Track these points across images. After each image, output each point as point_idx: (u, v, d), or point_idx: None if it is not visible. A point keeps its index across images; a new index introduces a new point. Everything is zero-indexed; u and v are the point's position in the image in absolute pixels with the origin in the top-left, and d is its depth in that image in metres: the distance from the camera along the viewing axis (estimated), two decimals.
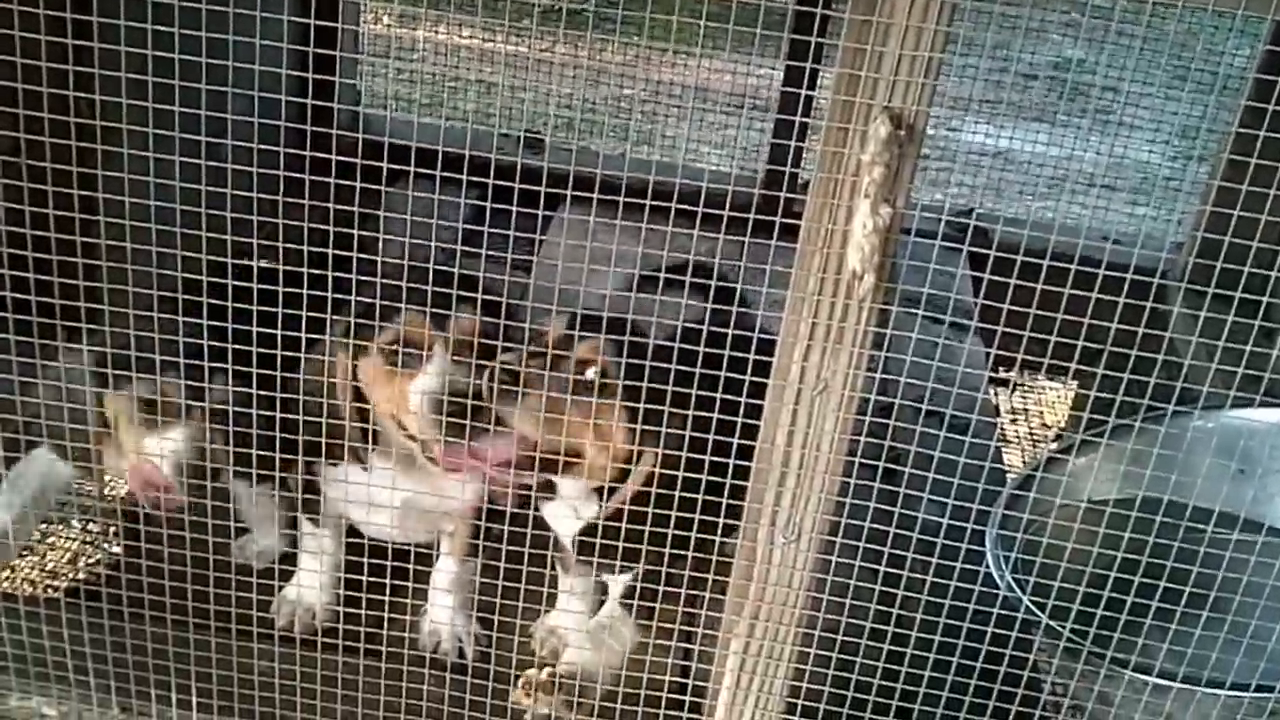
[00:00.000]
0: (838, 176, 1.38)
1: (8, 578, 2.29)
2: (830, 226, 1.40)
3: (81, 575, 2.38)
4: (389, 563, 1.79)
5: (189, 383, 1.80)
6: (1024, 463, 3.07)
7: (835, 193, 1.38)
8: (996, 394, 3.44)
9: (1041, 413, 3.50)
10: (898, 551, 1.69)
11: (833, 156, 1.38)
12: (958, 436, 1.73)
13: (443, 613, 2.11)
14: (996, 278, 1.54)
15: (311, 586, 2.09)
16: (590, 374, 1.76)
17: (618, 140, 4.46)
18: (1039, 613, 1.89)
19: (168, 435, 1.86)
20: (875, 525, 1.65)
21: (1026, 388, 3.58)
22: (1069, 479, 2.13)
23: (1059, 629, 1.84)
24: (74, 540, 2.45)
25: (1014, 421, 3.42)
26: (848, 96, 1.35)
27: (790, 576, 1.53)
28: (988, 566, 1.97)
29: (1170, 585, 1.60)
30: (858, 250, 1.37)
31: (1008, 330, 1.64)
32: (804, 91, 3.07)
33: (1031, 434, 3.40)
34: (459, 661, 2.08)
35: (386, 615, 1.83)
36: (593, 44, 3.95)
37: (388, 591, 1.80)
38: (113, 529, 2.41)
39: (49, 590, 2.32)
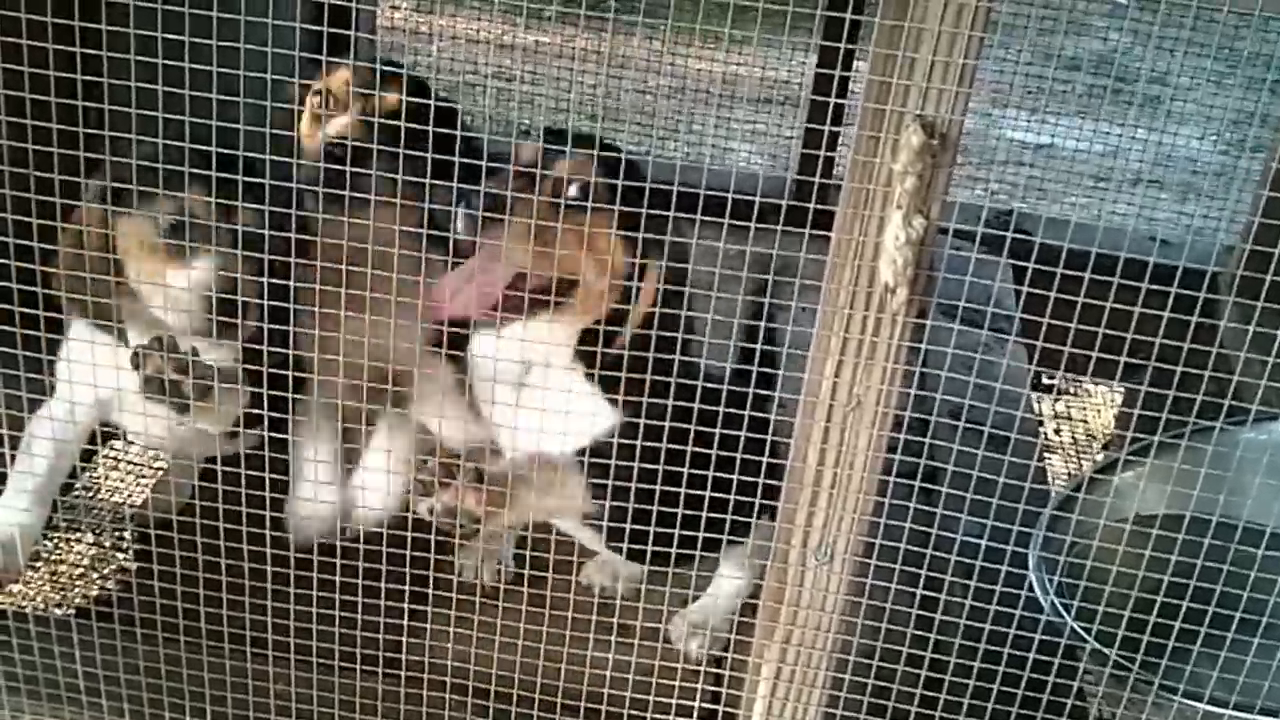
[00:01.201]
0: (868, 187, 1.38)
1: (18, 593, 2.31)
2: (861, 238, 1.40)
3: (93, 591, 2.39)
4: (409, 587, 1.80)
5: (218, 200, 1.68)
6: (1069, 475, 3.06)
7: (866, 203, 1.39)
8: (1039, 401, 3.43)
9: (1086, 420, 3.48)
10: (936, 574, 1.69)
11: (863, 166, 1.38)
12: (998, 454, 1.71)
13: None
14: (1037, 289, 1.54)
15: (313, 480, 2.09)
16: (574, 190, 1.69)
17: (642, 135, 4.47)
18: (1085, 635, 1.89)
19: (194, 264, 1.71)
20: (912, 546, 1.64)
21: (1071, 394, 3.56)
22: (1114, 496, 2.12)
23: (1105, 653, 1.83)
24: (85, 555, 2.47)
25: (1058, 431, 3.41)
26: (878, 104, 1.36)
27: (824, 599, 1.53)
28: (1030, 587, 1.97)
29: (1221, 609, 1.59)
30: (890, 263, 1.37)
31: (1050, 338, 1.62)
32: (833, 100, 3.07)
33: (1075, 442, 3.39)
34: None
35: (405, 639, 1.83)
36: (615, 35, 3.96)
37: (406, 616, 1.81)
38: (125, 542, 2.43)
39: (60, 607, 2.34)
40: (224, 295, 1.71)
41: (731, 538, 1.74)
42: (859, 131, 1.39)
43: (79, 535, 2.47)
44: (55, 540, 2.44)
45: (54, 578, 2.41)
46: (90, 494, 2.49)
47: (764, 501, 1.59)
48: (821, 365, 1.45)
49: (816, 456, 1.48)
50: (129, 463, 2.57)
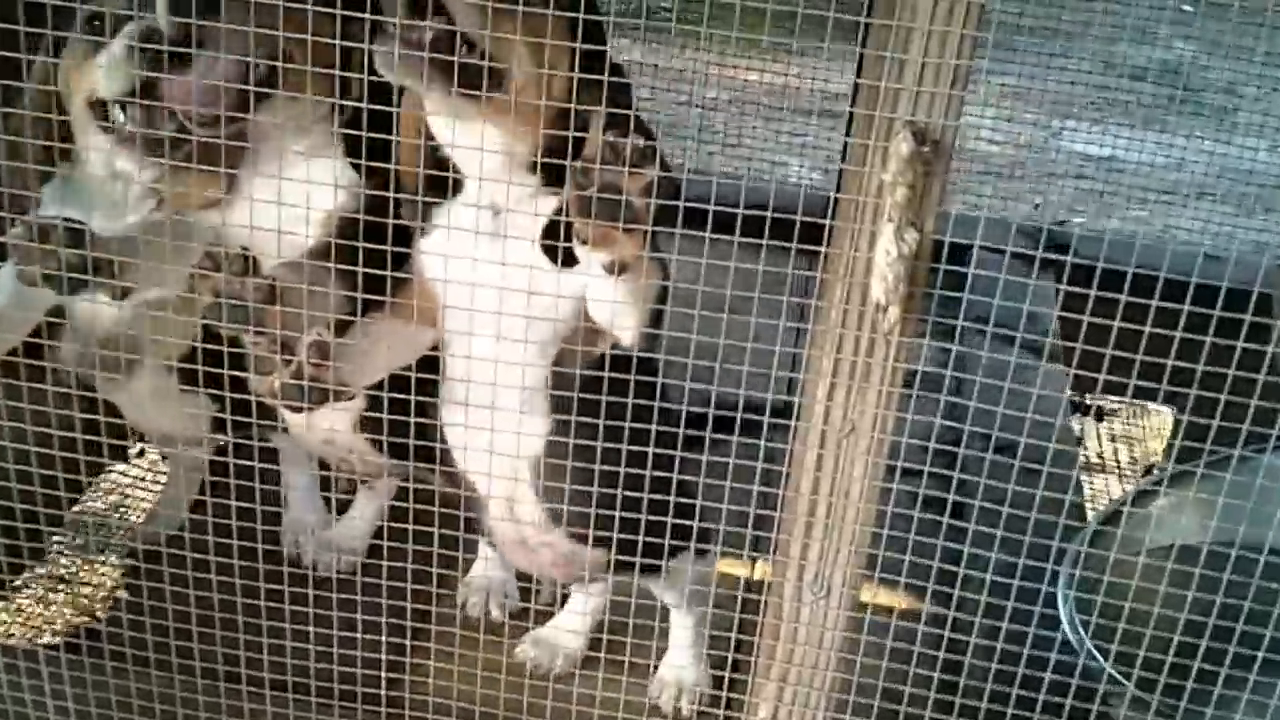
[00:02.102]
0: (859, 198, 1.31)
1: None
2: (853, 253, 1.33)
3: (82, 619, 2.33)
4: (406, 622, 1.75)
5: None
6: (1110, 501, 2.93)
7: (858, 216, 1.32)
8: (1081, 423, 3.32)
9: (1131, 444, 3.36)
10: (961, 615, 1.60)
11: (854, 176, 1.31)
12: (1028, 483, 1.61)
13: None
14: (1079, 306, 1.44)
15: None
16: None
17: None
18: (1123, 680, 1.78)
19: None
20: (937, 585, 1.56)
21: (1127, 416, 3.44)
22: (1151, 524, 2.01)
23: (1146, 699, 1.73)
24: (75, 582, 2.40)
25: (1116, 453, 3.29)
26: (867, 110, 1.29)
27: (820, 636, 1.46)
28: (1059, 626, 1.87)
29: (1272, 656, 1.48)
30: (881, 280, 1.30)
31: (1091, 358, 1.52)
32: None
33: (1135, 462, 3.27)
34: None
35: (407, 677, 1.77)
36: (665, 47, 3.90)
37: (397, 648, 1.75)
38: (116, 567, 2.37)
39: (46, 637, 2.26)
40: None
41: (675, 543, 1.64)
42: (851, 140, 1.32)
43: (72, 564, 2.42)
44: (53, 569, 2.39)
45: (39, 606, 2.35)
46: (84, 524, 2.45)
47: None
48: (814, 388, 1.38)
49: (810, 485, 1.41)
50: (128, 488, 2.53)
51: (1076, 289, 1.50)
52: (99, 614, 2.28)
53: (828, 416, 1.38)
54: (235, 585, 1.70)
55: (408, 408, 1.50)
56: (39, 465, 1.72)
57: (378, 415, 1.52)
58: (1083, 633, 1.87)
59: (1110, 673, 1.80)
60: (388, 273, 1.43)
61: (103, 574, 2.42)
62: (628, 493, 1.55)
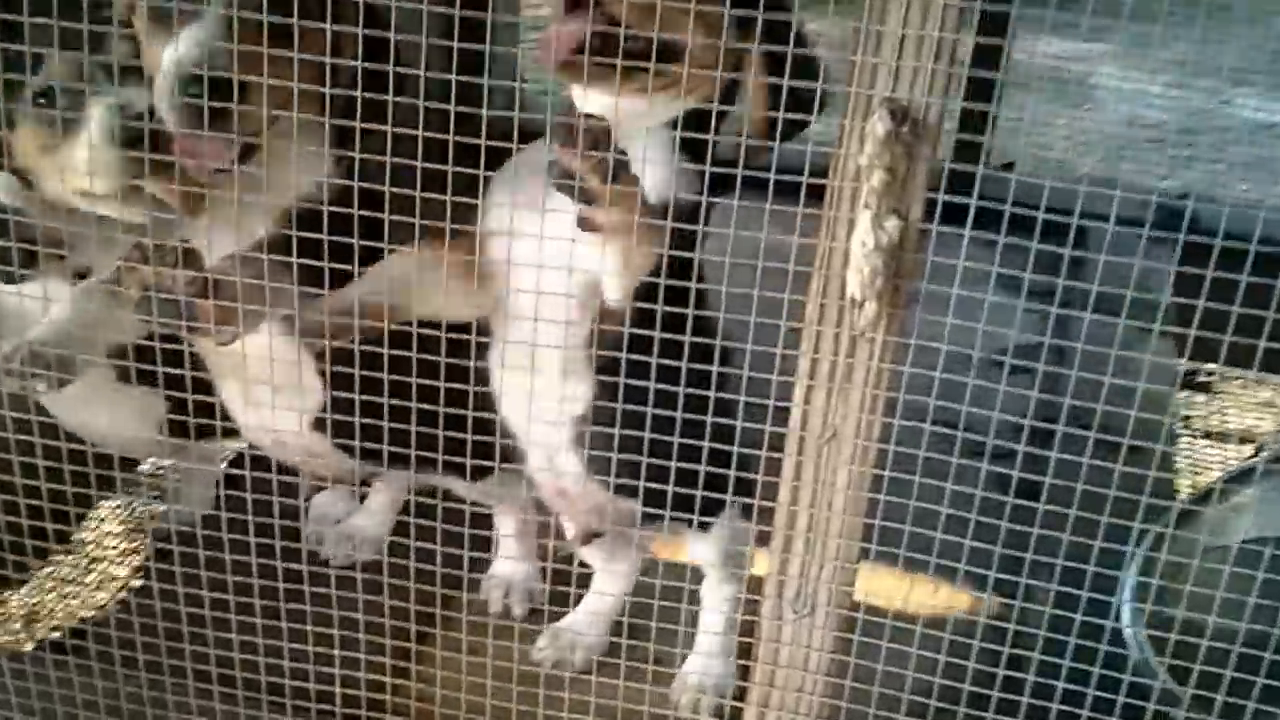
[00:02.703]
0: (837, 183, 1.20)
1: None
2: (831, 243, 1.22)
3: (90, 613, 2.30)
4: (389, 640, 1.70)
5: None
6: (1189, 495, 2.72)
7: (835, 203, 1.21)
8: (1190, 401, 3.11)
9: (1246, 428, 3.12)
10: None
11: (832, 158, 1.20)
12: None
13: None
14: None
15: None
16: None
17: None
18: (1180, 691, 1.63)
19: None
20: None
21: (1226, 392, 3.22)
22: (1229, 517, 1.84)
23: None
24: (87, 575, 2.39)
25: (1209, 435, 3.08)
26: (845, 86, 1.18)
27: (805, 657, 1.36)
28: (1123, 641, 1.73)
29: None
30: (857, 273, 1.20)
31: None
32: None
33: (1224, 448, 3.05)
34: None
35: (415, 675, 1.74)
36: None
37: (407, 673, 1.70)
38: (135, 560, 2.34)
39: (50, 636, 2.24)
40: None
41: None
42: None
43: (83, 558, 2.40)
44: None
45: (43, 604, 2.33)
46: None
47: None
48: (791, 390, 1.28)
49: (789, 495, 1.31)
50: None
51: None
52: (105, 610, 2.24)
53: (806, 421, 1.28)
54: (250, 585, 1.65)
55: (366, 408, 1.44)
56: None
57: (334, 416, 1.47)
58: (1147, 646, 1.73)
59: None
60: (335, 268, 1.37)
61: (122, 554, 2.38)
62: (668, 452, 1.44)
